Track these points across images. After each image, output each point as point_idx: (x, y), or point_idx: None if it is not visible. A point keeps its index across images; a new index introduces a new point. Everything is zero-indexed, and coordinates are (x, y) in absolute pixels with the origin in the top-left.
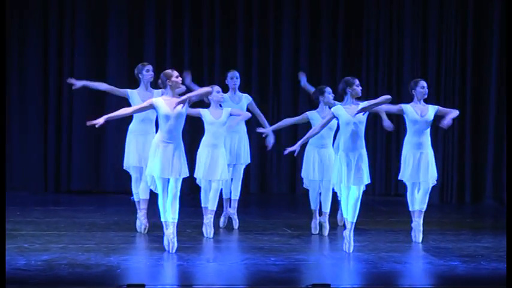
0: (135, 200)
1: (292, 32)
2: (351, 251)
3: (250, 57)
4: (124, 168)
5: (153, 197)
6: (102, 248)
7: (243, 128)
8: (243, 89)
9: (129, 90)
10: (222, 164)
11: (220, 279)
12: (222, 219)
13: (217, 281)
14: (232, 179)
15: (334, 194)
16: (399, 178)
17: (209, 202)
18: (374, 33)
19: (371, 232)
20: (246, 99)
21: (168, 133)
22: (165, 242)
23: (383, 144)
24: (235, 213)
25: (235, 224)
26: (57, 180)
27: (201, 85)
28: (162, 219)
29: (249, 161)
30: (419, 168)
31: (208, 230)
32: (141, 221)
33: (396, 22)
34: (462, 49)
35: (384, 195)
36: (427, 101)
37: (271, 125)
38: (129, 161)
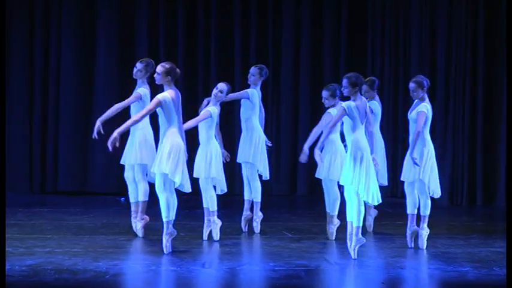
0: (131, 201)
1: (293, 32)
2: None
3: (248, 52)
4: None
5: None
6: (90, 253)
7: (256, 125)
8: (240, 85)
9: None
10: (200, 161)
11: (216, 285)
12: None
13: (213, 287)
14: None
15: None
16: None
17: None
18: (379, 31)
19: (376, 236)
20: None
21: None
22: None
23: (389, 144)
24: (253, 216)
25: (254, 228)
26: (42, 181)
27: (195, 83)
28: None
29: (249, 160)
30: (408, 167)
31: (213, 232)
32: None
33: (403, 19)
34: (473, 47)
35: (390, 197)
36: (436, 100)
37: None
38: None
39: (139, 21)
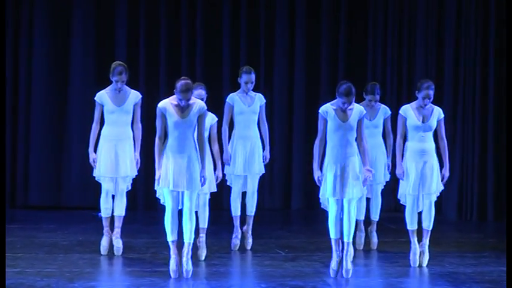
0: (103, 216)
1: (287, 31)
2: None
3: (238, 51)
4: (94, 176)
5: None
6: (64, 273)
7: (256, 134)
8: (229, 85)
9: (97, 99)
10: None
11: None
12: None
13: None
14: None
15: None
16: (400, 192)
17: None
18: (381, 29)
19: (377, 254)
20: (259, 100)
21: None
22: (172, 267)
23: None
24: (248, 231)
25: (248, 244)
26: (12, 194)
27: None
28: (169, 239)
29: (263, 171)
30: (423, 179)
31: (202, 252)
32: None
33: (407, 17)
34: (483, 47)
35: (393, 211)
36: (443, 103)
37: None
38: (100, 170)
39: (119, 20)
